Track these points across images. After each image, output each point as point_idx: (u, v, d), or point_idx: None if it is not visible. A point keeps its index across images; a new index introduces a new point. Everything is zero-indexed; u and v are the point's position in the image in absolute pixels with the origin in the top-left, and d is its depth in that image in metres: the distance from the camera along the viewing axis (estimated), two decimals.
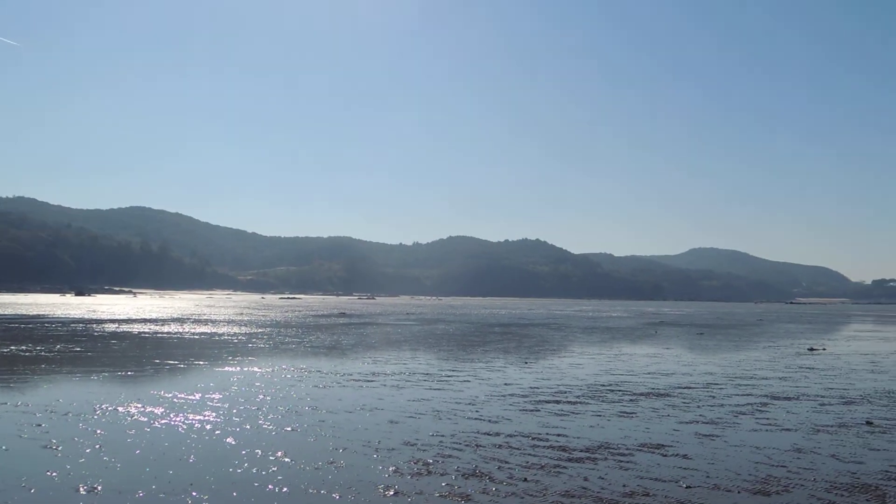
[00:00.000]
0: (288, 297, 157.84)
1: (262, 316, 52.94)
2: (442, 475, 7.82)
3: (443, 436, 9.91)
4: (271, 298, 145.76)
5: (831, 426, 11.01)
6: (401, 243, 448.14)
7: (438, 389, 14.62)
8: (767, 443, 9.73)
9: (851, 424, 11.18)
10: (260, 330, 34.89)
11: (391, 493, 7.15)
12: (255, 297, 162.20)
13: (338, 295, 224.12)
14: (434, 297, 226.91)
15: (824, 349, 27.44)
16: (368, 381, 15.83)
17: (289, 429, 10.25)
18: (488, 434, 10.07)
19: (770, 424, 11.13)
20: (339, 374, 17.07)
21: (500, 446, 9.30)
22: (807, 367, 20.05)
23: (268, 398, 13.01)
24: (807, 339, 34.38)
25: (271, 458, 8.48)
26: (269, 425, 10.47)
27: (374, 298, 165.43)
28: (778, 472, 8.10)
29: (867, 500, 7.06)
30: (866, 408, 12.87)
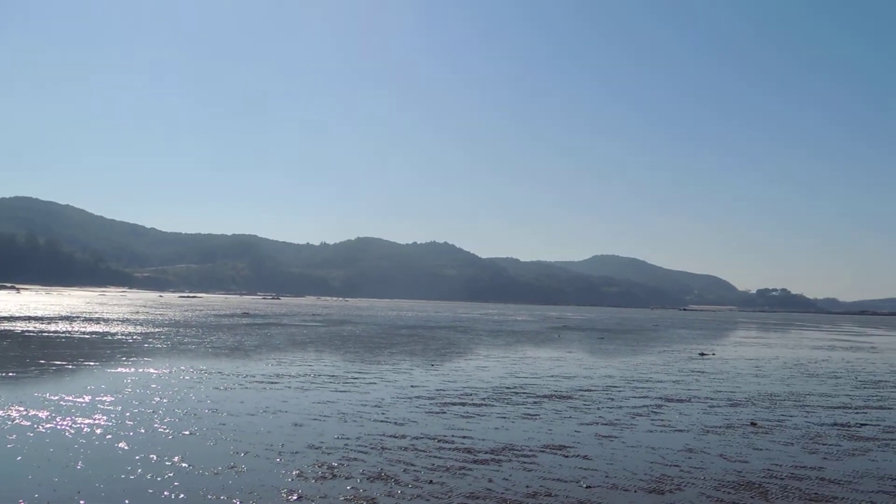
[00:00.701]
0: (188, 296, 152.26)
1: (160, 315, 50.77)
2: (347, 478, 7.72)
3: (348, 438, 9.79)
4: (170, 297, 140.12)
5: (719, 427, 11.61)
6: (308, 243, 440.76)
7: (344, 391, 14.45)
8: (662, 443, 10.15)
9: (737, 425, 11.83)
10: (157, 329, 33.43)
11: (294, 497, 7.00)
12: (153, 295, 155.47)
13: (241, 294, 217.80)
14: (341, 299, 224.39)
15: (714, 354, 28.95)
16: (272, 382, 15.45)
17: (186, 432, 9.85)
18: (394, 436, 10.03)
19: (664, 426, 11.62)
20: (241, 375, 16.58)
21: (405, 448, 9.27)
22: (698, 371, 21.09)
23: (164, 401, 12.46)
24: (698, 345, 36.18)
25: (167, 463, 8.12)
26: (165, 429, 10.03)
27: (279, 299, 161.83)
28: (671, 472, 8.47)
29: (752, 497, 7.48)
30: (751, 409, 13.65)
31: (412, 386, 15.68)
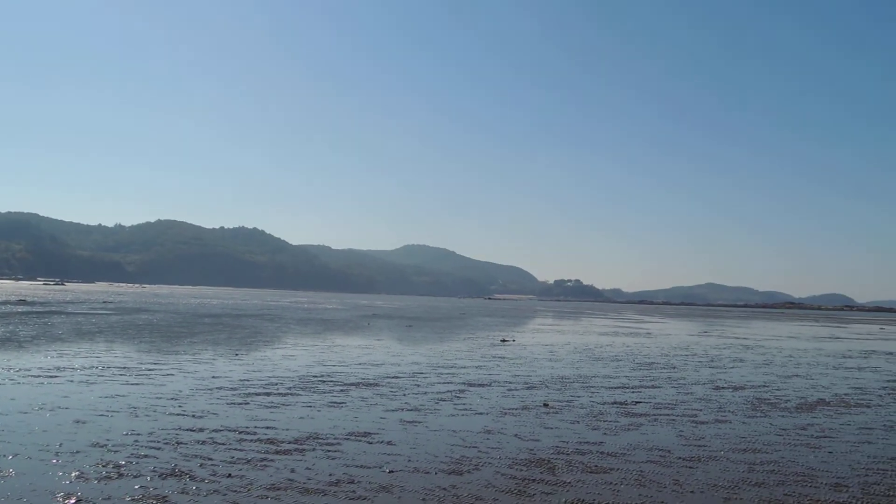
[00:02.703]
0: None
1: None
2: (135, 477, 7.18)
3: (139, 434, 9.11)
4: None
5: (516, 409, 12.32)
6: (100, 224, 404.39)
7: (137, 384, 13.45)
8: (463, 426, 10.57)
9: (532, 407, 12.62)
10: None
11: (72, 500, 6.38)
12: None
13: (17, 279, 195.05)
14: (138, 285, 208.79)
15: (514, 341, 30.71)
16: (51, 376, 13.99)
17: None
18: (191, 430, 9.50)
19: (466, 409, 12.10)
20: (12, 369, 14.84)
21: (203, 442, 8.82)
22: (499, 357, 22.24)
23: None
24: (500, 332, 38.18)
25: None
26: None
27: (64, 285, 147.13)
28: (470, 453, 8.84)
29: (541, 472, 8.01)
30: (544, 392, 14.63)
31: (213, 377, 14.97)
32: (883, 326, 73.94)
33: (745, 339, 39.73)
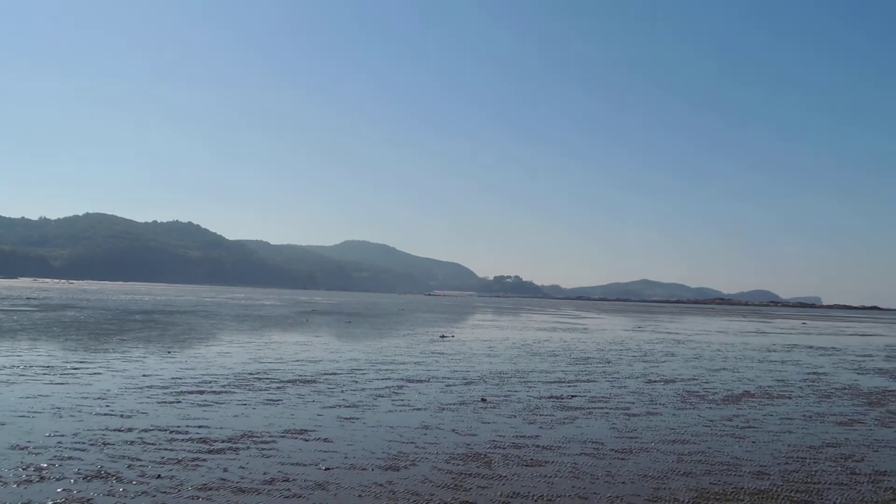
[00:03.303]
0: None
1: None
2: (59, 480, 6.91)
3: (63, 435, 8.77)
4: None
5: (454, 404, 12.38)
6: (24, 217, 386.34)
7: (62, 384, 12.93)
8: (400, 422, 10.56)
9: (469, 402, 12.71)
10: None
11: None
12: None
13: None
14: (64, 281, 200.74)
15: (453, 336, 30.84)
16: None
17: None
18: (119, 430, 9.20)
19: (404, 405, 12.09)
20: None
21: (132, 443, 8.55)
22: (438, 353, 22.30)
23: None
24: (440, 328, 38.29)
25: None
26: None
27: None
28: (407, 449, 8.84)
29: (477, 466, 8.07)
30: (482, 387, 14.75)
31: (144, 375, 14.53)
32: (805, 321, 77.31)
33: (676, 334, 40.95)
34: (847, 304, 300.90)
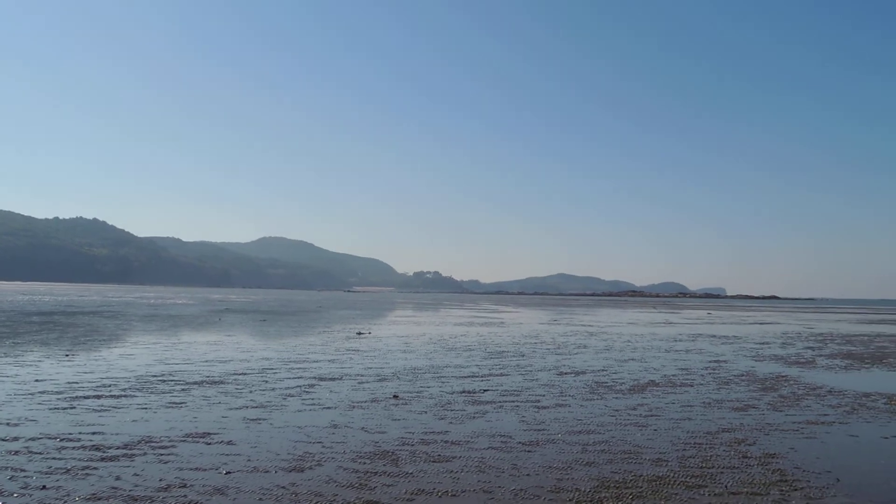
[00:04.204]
0: None
1: None
2: None
3: None
4: None
5: (365, 402, 12.26)
6: None
7: None
8: (309, 422, 10.36)
9: (381, 399, 12.61)
10: None
11: None
12: None
13: None
14: None
15: (370, 333, 30.62)
16: None
17: None
18: (3, 440, 8.63)
19: (314, 404, 11.88)
20: None
21: (16, 452, 8.04)
22: (353, 350, 22.07)
23: None
24: (357, 325, 37.94)
25: None
26: None
27: None
28: (314, 449, 8.67)
29: (384, 464, 8.00)
30: (395, 383, 14.68)
31: (37, 380, 13.72)
32: (710, 311, 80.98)
33: (590, 326, 42.06)
34: (749, 294, 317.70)
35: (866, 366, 20.64)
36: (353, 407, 11.71)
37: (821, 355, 23.83)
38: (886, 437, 10.23)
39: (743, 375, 17.47)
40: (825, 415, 11.97)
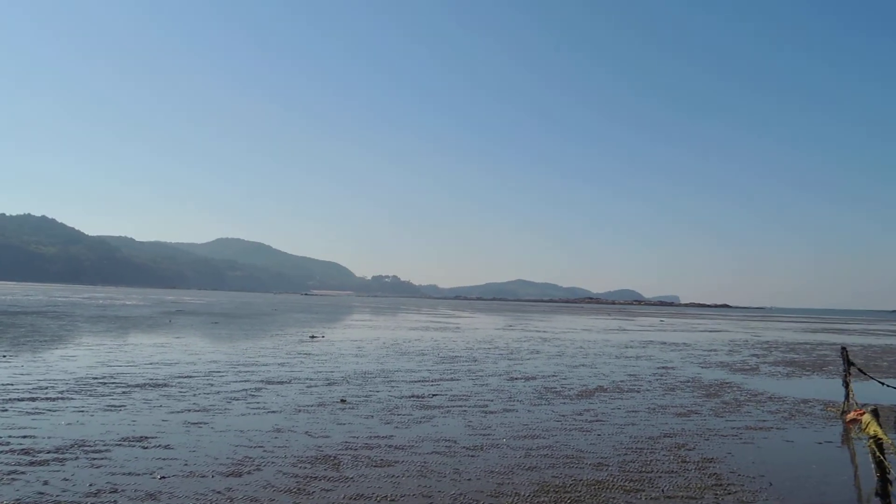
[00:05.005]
0: None
1: None
2: None
3: None
4: None
5: (312, 406, 12.11)
6: None
7: None
8: (252, 426, 10.19)
9: (329, 403, 12.48)
10: None
11: None
12: None
13: None
14: None
15: (323, 337, 30.33)
16: None
17: None
18: None
19: (259, 408, 11.69)
20: None
21: None
22: (305, 354, 21.82)
23: None
24: (311, 328, 37.57)
25: None
26: None
27: None
28: (254, 453, 8.52)
29: (325, 469, 7.91)
30: (344, 387, 14.55)
31: None
32: (663, 319, 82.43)
33: (544, 332, 42.39)
34: (702, 302, 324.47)
35: (807, 373, 21.23)
36: (299, 411, 11.56)
37: (765, 362, 24.42)
38: (820, 443, 10.52)
39: (689, 382, 17.79)
40: (764, 420, 12.26)
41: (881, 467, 6.83)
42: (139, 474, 7.41)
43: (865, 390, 16.61)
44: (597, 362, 22.38)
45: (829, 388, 17.62)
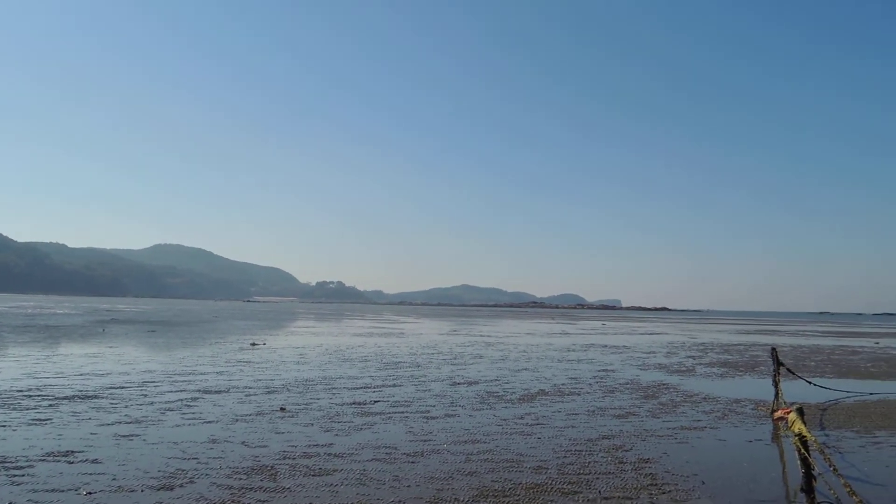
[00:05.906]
0: None
1: None
2: None
3: None
4: None
5: (250, 415, 11.86)
6: None
7: None
8: (187, 437, 9.90)
9: (267, 412, 12.24)
10: None
11: None
12: None
13: None
14: None
15: (265, 344, 29.79)
16: None
17: None
18: None
19: (195, 419, 11.38)
20: None
21: None
22: (244, 362, 21.38)
23: None
24: (252, 335, 36.86)
25: None
26: None
27: None
28: (188, 465, 8.27)
29: (261, 479, 7.73)
30: (284, 395, 14.30)
31: None
32: (605, 322, 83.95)
33: (488, 336, 42.62)
34: (642, 305, 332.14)
35: (740, 373, 21.90)
36: (237, 420, 11.30)
37: (700, 364, 25.10)
38: (751, 441, 10.84)
39: (628, 384, 18.13)
40: (698, 420, 12.58)
41: (806, 464, 7.08)
42: (63, 490, 7.10)
43: (794, 389, 17.25)
44: (539, 366, 22.60)
45: (760, 387, 18.20)
